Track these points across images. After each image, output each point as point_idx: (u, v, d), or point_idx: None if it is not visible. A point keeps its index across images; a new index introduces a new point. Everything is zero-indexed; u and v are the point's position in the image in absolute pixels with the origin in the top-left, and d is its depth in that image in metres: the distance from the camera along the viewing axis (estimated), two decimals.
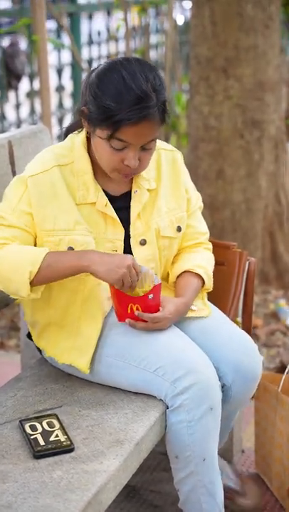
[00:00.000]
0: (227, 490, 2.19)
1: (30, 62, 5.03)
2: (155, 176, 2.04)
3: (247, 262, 2.30)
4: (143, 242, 2.00)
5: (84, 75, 5.07)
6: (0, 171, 2.21)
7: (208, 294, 2.16)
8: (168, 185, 2.06)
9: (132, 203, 2.00)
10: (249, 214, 3.84)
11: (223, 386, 1.99)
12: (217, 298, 2.20)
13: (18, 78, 6.25)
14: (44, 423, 1.80)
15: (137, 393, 1.94)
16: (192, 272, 2.06)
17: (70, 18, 5.04)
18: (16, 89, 5.33)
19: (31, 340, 2.16)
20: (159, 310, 1.92)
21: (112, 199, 1.98)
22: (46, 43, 3.38)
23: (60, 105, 5.15)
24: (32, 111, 4.97)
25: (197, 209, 2.14)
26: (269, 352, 3.30)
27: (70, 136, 2.01)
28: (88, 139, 1.96)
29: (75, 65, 5.00)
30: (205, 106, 3.77)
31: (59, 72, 5.04)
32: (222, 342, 2.02)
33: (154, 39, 6.11)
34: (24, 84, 5.56)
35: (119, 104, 1.78)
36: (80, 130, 1.99)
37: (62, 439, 1.74)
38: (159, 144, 2.09)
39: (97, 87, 1.83)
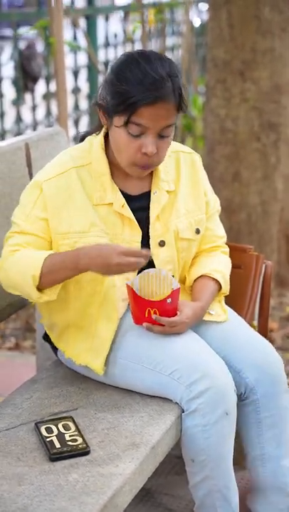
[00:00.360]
0: None
1: (46, 64, 5.04)
2: (174, 178, 2.04)
3: (263, 265, 2.29)
4: (162, 244, 2.00)
5: (100, 77, 5.09)
6: (17, 174, 2.22)
7: (225, 297, 2.15)
8: (187, 187, 2.06)
9: (151, 204, 2.00)
10: (265, 217, 3.83)
11: (245, 390, 1.99)
12: (233, 301, 2.19)
13: (35, 80, 6.27)
14: (60, 425, 1.80)
15: (153, 396, 1.94)
16: (209, 276, 2.06)
17: (86, 20, 5.05)
18: (32, 91, 5.35)
19: (47, 342, 2.16)
20: (176, 314, 1.92)
21: (130, 199, 1.98)
22: (63, 45, 3.38)
23: (76, 107, 5.16)
24: (48, 113, 4.98)
25: (215, 212, 2.14)
26: (285, 355, 3.28)
27: (88, 138, 2.02)
28: (106, 141, 1.96)
29: (92, 67, 5.01)
30: (221, 108, 3.76)
31: (75, 74, 5.05)
32: (241, 346, 2.01)
33: (170, 41, 6.10)
34: (40, 86, 5.57)
35: (136, 86, 1.81)
36: (97, 133, 2.00)
37: (78, 442, 1.74)
38: (178, 146, 2.10)
39: (114, 75, 1.86)
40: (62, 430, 1.78)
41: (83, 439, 1.75)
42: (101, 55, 5.29)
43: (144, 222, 1.99)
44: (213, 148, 3.84)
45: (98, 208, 1.94)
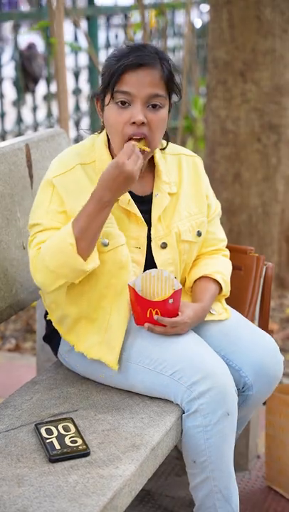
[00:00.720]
0: None
1: (47, 64, 5.04)
2: (176, 180, 2.04)
3: (264, 267, 2.29)
4: (164, 246, 2.00)
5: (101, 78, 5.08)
6: (17, 174, 2.22)
7: (226, 298, 2.15)
8: (189, 189, 2.06)
9: (153, 206, 2.00)
10: (266, 218, 3.83)
11: (243, 386, 2.01)
12: (234, 302, 2.19)
13: (36, 81, 6.28)
14: (60, 427, 1.80)
15: (153, 398, 1.94)
16: (210, 278, 2.06)
17: (87, 20, 5.04)
18: (33, 91, 5.34)
19: (48, 343, 2.16)
20: (178, 315, 1.92)
21: (135, 200, 1.98)
22: (64, 45, 3.39)
23: (77, 108, 5.16)
24: (49, 114, 4.98)
25: (216, 215, 2.15)
26: (285, 357, 3.28)
27: (90, 136, 2.03)
28: (109, 139, 1.96)
29: (93, 68, 5.01)
30: (222, 109, 3.76)
31: (76, 75, 5.05)
32: (243, 343, 2.02)
33: (171, 42, 6.10)
34: (41, 87, 5.58)
35: (119, 57, 1.87)
36: (100, 131, 2.00)
37: (78, 443, 1.73)
38: (180, 149, 2.10)
39: (106, 60, 1.92)
40: (62, 431, 1.78)
41: (83, 441, 1.74)
42: (102, 56, 5.29)
43: (148, 224, 2.00)
44: (213, 149, 3.84)
45: None
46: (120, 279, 1.93)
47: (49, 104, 4.97)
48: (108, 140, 1.98)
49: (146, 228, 1.99)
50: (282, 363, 2.06)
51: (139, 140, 1.88)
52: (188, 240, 2.03)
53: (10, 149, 2.22)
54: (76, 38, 4.95)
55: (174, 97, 1.97)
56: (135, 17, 5.30)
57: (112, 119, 1.90)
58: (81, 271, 1.86)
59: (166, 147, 2.06)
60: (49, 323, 2.13)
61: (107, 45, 5.31)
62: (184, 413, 1.89)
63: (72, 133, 4.84)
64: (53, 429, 1.79)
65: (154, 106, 1.88)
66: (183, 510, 2.30)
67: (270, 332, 2.21)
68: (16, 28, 4.64)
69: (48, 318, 2.12)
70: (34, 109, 4.92)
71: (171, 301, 1.88)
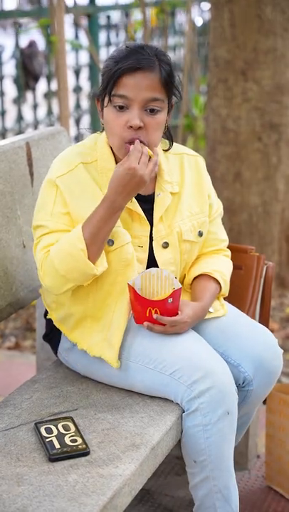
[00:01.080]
0: None
1: (48, 62, 5.03)
2: (178, 180, 2.04)
3: (265, 266, 2.29)
4: (165, 246, 2.00)
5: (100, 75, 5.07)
6: (18, 173, 2.21)
7: (226, 298, 2.15)
8: (191, 189, 2.05)
9: (155, 206, 2.00)
10: (266, 217, 3.82)
11: (243, 382, 2.00)
12: (234, 302, 2.19)
13: (36, 79, 6.26)
14: (60, 426, 1.79)
15: (153, 397, 1.94)
16: (210, 276, 2.06)
17: (88, 18, 5.04)
18: (33, 89, 5.33)
19: (48, 342, 2.16)
20: (177, 314, 1.91)
21: (137, 199, 1.97)
22: (64, 43, 3.38)
23: (78, 106, 5.15)
24: (49, 112, 4.97)
25: (218, 216, 2.14)
26: (285, 356, 3.28)
27: (92, 135, 2.02)
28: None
29: (93, 66, 5.00)
30: (223, 108, 3.75)
31: (77, 73, 5.04)
32: (241, 338, 2.02)
33: (172, 41, 6.09)
34: (42, 85, 5.56)
35: (118, 59, 1.86)
36: (102, 130, 1.99)
37: (77, 443, 1.73)
38: (182, 148, 2.09)
39: (106, 60, 1.91)
40: (62, 431, 1.78)
41: (83, 440, 1.74)
42: (103, 54, 5.28)
43: (150, 224, 1.99)
44: (214, 148, 3.83)
45: None
46: (125, 277, 1.93)
47: (49, 102, 4.96)
48: None
49: (148, 227, 1.98)
50: (282, 357, 2.06)
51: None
52: (190, 239, 2.03)
53: (10, 147, 2.21)
54: (77, 36, 4.94)
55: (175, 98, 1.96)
56: (136, 15, 5.29)
57: (110, 121, 1.89)
58: (91, 275, 1.87)
59: (170, 148, 2.05)
60: (49, 321, 2.12)
61: (108, 43, 5.31)
62: (184, 412, 1.88)
63: (73, 131, 4.83)
64: (53, 428, 1.79)
65: (152, 110, 1.87)
66: (183, 510, 2.30)
67: (271, 331, 2.21)
68: (16, 26, 4.63)
69: (48, 317, 2.12)
70: (35, 107, 4.92)
71: (170, 300, 1.88)
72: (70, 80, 4.22)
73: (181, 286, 1.91)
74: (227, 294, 2.13)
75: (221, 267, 2.10)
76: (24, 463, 1.69)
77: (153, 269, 1.92)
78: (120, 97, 1.85)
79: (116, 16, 5.78)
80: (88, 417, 1.87)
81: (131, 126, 1.86)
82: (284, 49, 3.67)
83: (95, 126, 4.74)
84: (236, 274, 2.20)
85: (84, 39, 4.82)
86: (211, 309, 2.05)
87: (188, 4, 4.81)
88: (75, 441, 1.74)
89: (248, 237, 3.83)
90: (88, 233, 1.83)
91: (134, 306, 1.91)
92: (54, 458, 1.69)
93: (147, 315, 1.89)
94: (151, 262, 2.00)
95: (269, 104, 3.70)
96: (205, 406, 1.85)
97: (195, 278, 2.09)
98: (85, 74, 5.19)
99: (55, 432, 1.77)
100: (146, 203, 2.00)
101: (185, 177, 2.05)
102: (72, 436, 1.76)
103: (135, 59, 1.85)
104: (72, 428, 1.79)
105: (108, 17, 5.27)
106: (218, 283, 2.07)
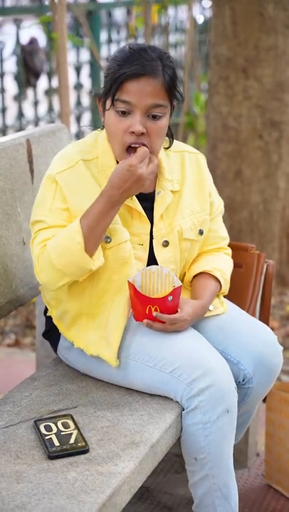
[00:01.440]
0: None
1: (49, 59, 5.03)
2: (179, 178, 2.04)
3: (265, 264, 2.29)
4: (165, 244, 2.00)
5: (102, 74, 5.06)
6: (18, 170, 2.21)
7: (226, 296, 2.15)
8: (192, 187, 2.05)
9: (155, 204, 1.99)
10: (267, 215, 3.82)
11: (243, 379, 2.00)
12: (235, 300, 2.19)
13: (37, 76, 6.25)
14: (59, 423, 1.79)
15: (153, 395, 1.93)
16: (210, 275, 2.06)
17: (89, 15, 5.03)
18: (34, 86, 5.32)
19: (47, 339, 2.15)
20: (177, 312, 1.91)
21: (137, 198, 1.97)
22: (66, 40, 3.38)
23: (79, 103, 5.14)
24: (50, 109, 4.96)
25: (219, 213, 2.14)
26: (285, 354, 3.28)
27: (92, 133, 2.02)
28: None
29: (94, 63, 4.99)
30: (224, 106, 3.75)
31: (77, 70, 5.03)
32: (241, 336, 2.02)
33: (173, 38, 6.09)
34: (42, 82, 5.55)
35: (121, 63, 1.84)
36: (102, 127, 1.99)
37: (77, 440, 1.73)
38: (183, 146, 2.09)
39: (108, 61, 1.89)
40: (61, 428, 1.77)
41: (82, 438, 1.74)
42: (103, 51, 5.28)
43: (150, 222, 1.99)
44: (215, 145, 3.83)
45: None
46: (122, 275, 1.93)
47: (50, 99, 4.95)
48: None
49: (149, 225, 1.98)
50: (282, 354, 2.06)
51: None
52: (190, 238, 2.03)
53: (11, 144, 2.21)
54: (78, 33, 4.93)
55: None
56: (137, 12, 5.28)
57: (112, 126, 1.88)
58: (88, 269, 1.87)
59: (170, 146, 2.05)
60: (49, 319, 2.12)
61: (109, 41, 5.30)
62: (183, 410, 1.88)
63: (74, 128, 4.82)
64: (52, 425, 1.78)
65: (154, 116, 1.87)
66: (182, 508, 2.30)
67: (271, 329, 2.21)
68: (17, 23, 4.62)
69: (47, 315, 2.11)
70: (35, 104, 4.91)
71: (170, 298, 1.88)
72: (71, 77, 4.20)
73: (181, 284, 1.91)
74: (227, 293, 2.13)
75: (222, 265, 2.10)
76: (23, 460, 1.69)
77: (153, 267, 1.92)
78: (123, 102, 1.84)
79: (117, 13, 5.76)
80: (88, 415, 1.86)
81: (133, 132, 1.85)
82: (285, 47, 3.66)
83: (96, 124, 4.74)
84: (237, 272, 2.20)
85: (85, 36, 4.82)
86: (210, 307, 2.05)
87: (189, 1, 4.80)
88: (75, 438, 1.73)
89: (248, 235, 3.82)
90: (86, 226, 1.83)
91: (134, 304, 1.91)
92: (53, 455, 1.69)
93: (147, 312, 1.89)
94: (152, 260, 1.99)
95: (270, 102, 3.69)
96: (204, 404, 1.84)
97: (195, 276, 2.09)
98: (85, 71, 5.18)
99: (55, 430, 1.77)
100: (147, 201, 1.99)
101: (186, 175, 2.05)
102: (71, 433, 1.75)
103: (139, 64, 1.83)
104: (72, 426, 1.78)
105: (109, 14, 5.26)
106: (219, 281, 2.06)
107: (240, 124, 3.73)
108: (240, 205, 3.80)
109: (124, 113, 1.85)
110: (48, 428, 1.77)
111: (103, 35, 5.25)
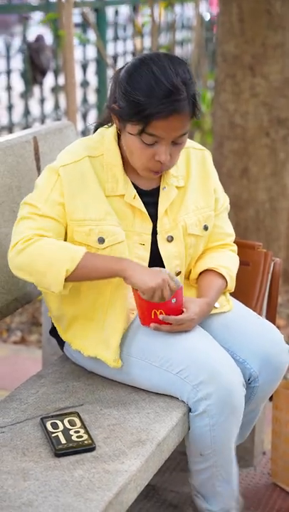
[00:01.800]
0: None
1: (55, 57, 5.03)
2: (184, 174, 2.03)
3: (272, 263, 2.28)
4: (170, 239, 1.99)
5: (109, 71, 5.06)
6: (25, 167, 2.21)
7: (233, 294, 2.15)
8: (197, 183, 2.05)
9: (160, 200, 1.99)
10: (273, 213, 3.81)
11: (249, 378, 2.00)
12: (241, 298, 2.18)
13: (43, 73, 6.25)
14: (65, 421, 1.79)
15: (159, 393, 1.93)
16: (216, 272, 2.05)
17: (96, 13, 5.03)
18: (40, 84, 5.33)
19: (54, 336, 2.15)
20: (181, 312, 1.90)
21: (141, 193, 1.97)
22: (72, 38, 3.37)
23: (85, 101, 5.14)
24: (56, 106, 4.97)
25: (224, 210, 2.13)
26: None
27: (100, 129, 2.01)
28: (119, 133, 1.95)
29: (100, 61, 4.99)
30: (231, 103, 3.74)
31: (84, 67, 5.03)
32: (247, 335, 2.02)
33: (179, 35, 6.08)
34: (49, 80, 5.56)
35: (150, 98, 1.78)
36: (110, 124, 1.98)
37: (83, 438, 1.73)
38: (189, 142, 2.08)
39: (127, 82, 1.82)
40: (67, 426, 1.77)
41: (89, 435, 1.74)
42: (110, 49, 5.27)
43: (153, 218, 1.98)
44: (221, 143, 3.82)
45: (110, 199, 1.93)
46: (117, 277, 1.92)
47: (57, 97, 4.96)
48: (118, 135, 1.96)
49: (150, 225, 1.97)
50: (288, 352, 2.05)
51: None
52: (195, 233, 2.02)
53: (18, 142, 2.21)
54: (84, 31, 4.93)
55: None
56: (144, 9, 5.27)
57: (136, 151, 1.87)
58: (51, 290, 1.86)
59: None
60: None
61: (115, 38, 5.29)
62: (190, 410, 1.88)
63: (80, 125, 4.82)
64: (59, 423, 1.78)
65: (178, 143, 1.87)
66: (188, 506, 2.30)
67: (277, 328, 2.20)
68: (24, 21, 4.63)
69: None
70: (42, 101, 4.91)
71: (174, 300, 1.87)
72: (78, 75, 4.20)
73: (182, 285, 1.90)
74: (233, 290, 2.12)
75: (227, 262, 2.09)
76: (30, 458, 1.69)
77: (155, 269, 1.91)
78: (150, 135, 1.82)
79: (123, 11, 5.76)
80: (94, 413, 1.86)
81: (158, 161, 1.85)
82: None
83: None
84: (243, 270, 2.19)
85: (91, 33, 4.81)
86: (216, 304, 2.05)
87: None
88: (81, 436, 1.73)
89: (254, 233, 3.82)
90: (85, 263, 1.83)
91: (140, 309, 1.90)
92: (60, 453, 1.69)
93: (152, 317, 1.88)
94: (154, 260, 1.98)
95: (277, 100, 3.68)
96: (212, 408, 1.85)
97: (201, 273, 2.08)
98: (92, 68, 5.18)
99: (61, 427, 1.77)
100: (152, 197, 1.99)
101: (191, 171, 2.04)
102: (78, 431, 1.75)
103: (169, 103, 1.78)
104: (78, 423, 1.78)
105: (116, 12, 5.25)
106: (224, 278, 2.06)
107: (247, 121, 3.72)
108: (247, 203, 3.79)
109: (150, 144, 1.84)
110: (55, 425, 1.77)
111: (110, 33, 5.24)
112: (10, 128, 4.57)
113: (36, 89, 5.42)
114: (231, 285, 2.09)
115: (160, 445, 1.77)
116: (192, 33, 5.54)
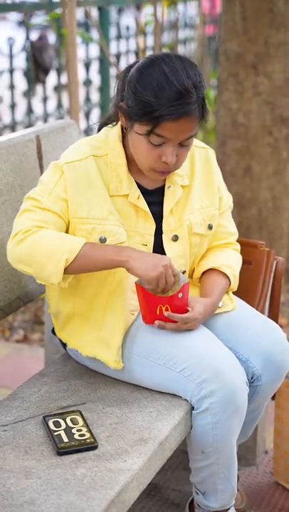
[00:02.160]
0: None
1: (58, 55, 5.02)
2: (188, 173, 2.03)
3: (274, 261, 2.28)
4: (175, 239, 1.99)
5: (112, 70, 5.06)
6: (28, 165, 2.21)
7: (235, 293, 2.15)
8: (201, 182, 2.05)
9: (165, 199, 1.99)
10: (276, 212, 3.81)
11: (252, 377, 2.00)
12: (244, 297, 2.18)
13: (46, 72, 6.26)
14: (68, 419, 1.79)
15: (162, 392, 1.93)
16: (219, 271, 2.05)
17: (99, 11, 5.02)
18: (43, 82, 5.34)
19: (56, 335, 2.16)
20: (186, 309, 1.90)
21: (145, 193, 1.97)
22: (75, 36, 3.37)
23: (88, 99, 5.14)
24: (59, 105, 4.96)
25: (228, 209, 2.13)
26: None
27: (104, 129, 2.01)
28: (123, 132, 1.95)
29: (103, 59, 4.99)
30: (233, 102, 3.73)
31: (87, 66, 5.03)
32: (250, 334, 2.02)
33: (182, 34, 6.07)
34: (52, 78, 5.56)
35: (160, 100, 1.77)
36: (114, 124, 1.98)
37: (85, 437, 1.73)
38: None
39: (138, 82, 1.81)
40: (70, 424, 1.78)
41: (91, 434, 1.74)
42: (113, 48, 5.27)
43: (157, 217, 1.98)
44: (224, 142, 3.82)
45: (113, 199, 1.93)
46: (116, 277, 1.92)
47: (59, 95, 4.95)
48: (122, 134, 1.96)
49: (153, 226, 1.97)
50: None
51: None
52: (200, 232, 2.02)
53: (20, 140, 2.21)
54: (87, 29, 4.93)
55: None
56: (147, 8, 5.27)
57: (143, 151, 1.86)
58: (50, 281, 1.84)
59: None
60: None
61: (118, 37, 5.29)
62: (193, 409, 1.88)
63: (83, 124, 4.82)
64: (61, 421, 1.79)
65: (185, 145, 1.87)
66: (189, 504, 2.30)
67: (280, 327, 2.20)
68: (27, 19, 4.62)
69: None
70: (45, 100, 4.91)
71: (180, 295, 1.87)
72: (80, 73, 4.20)
73: (188, 280, 1.90)
74: (236, 289, 2.12)
75: (231, 261, 2.09)
76: (32, 456, 1.69)
77: (156, 257, 1.90)
78: (158, 136, 1.82)
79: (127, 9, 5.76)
80: (96, 411, 1.87)
81: (165, 162, 1.85)
82: None
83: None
84: (246, 269, 2.19)
85: (94, 32, 4.81)
86: (220, 304, 2.05)
87: None
88: (83, 435, 1.74)
89: (257, 232, 3.81)
90: (85, 252, 1.81)
91: (143, 306, 1.90)
92: (62, 451, 1.69)
93: (158, 313, 1.88)
94: None
95: (280, 98, 3.68)
96: (215, 406, 1.85)
97: (204, 272, 2.08)
98: (95, 67, 5.18)
99: (64, 426, 1.77)
100: (157, 196, 1.99)
101: (195, 170, 2.04)
102: (80, 430, 1.75)
103: (180, 105, 1.77)
104: (81, 422, 1.79)
105: (119, 10, 5.25)
106: (228, 277, 2.06)
107: (250, 120, 3.71)
108: (249, 201, 3.79)
109: (158, 144, 1.84)
110: (57, 424, 1.78)
111: (113, 31, 5.24)
112: (13, 126, 4.57)
113: (39, 88, 5.42)
114: (234, 284, 2.09)
115: (162, 444, 1.77)
116: (195, 32, 5.54)
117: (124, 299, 1.94)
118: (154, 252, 1.97)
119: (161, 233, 1.99)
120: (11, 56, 4.50)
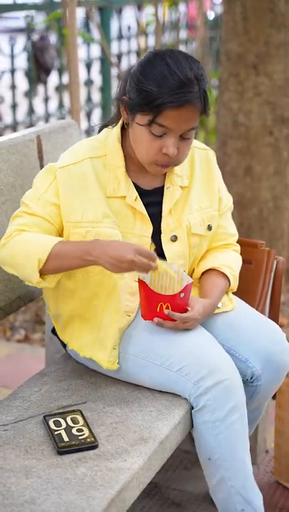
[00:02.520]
0: None
1: (59, 55, 5.03)
2: (188, 174, 2.03)
3: (275, 261, 2.28)
4: (174, 239, 1.99)
5: (113, 70, 5.06)
6: (28, 166, 2.21)
7: (235, 292, 2.15)
8: (200, 183, 2.05)
9: (164, 199, 1.99)
10: (277, 212, 3.81)
11: (252, 377, 2.00)
12: (244, 297, 2.18)
13: (47, 72, 6.25)
14: (68, 419, 1.80)
15: (162, 391, 1.93)
16: (219, 272, 2.06)
17: (100, 12, 5.03)
18: (44, 82, 5.33)
19: (56, 335, 2.16)
20: (186, 309, 1.91)
21: (144, 193, 1.97)
22: (76, 37, 3.37)
23: (89, 99, 5.14)
24: (60, 105, 4.97)
25: (228, 210, 2.14)
26: None
27: (104, 130, 2.01)
28: (122, 134, 1.95)
29: (105, 60, 4.99)
30: (234, 102, 3.74)
31: (88, 66, 5.03)
32: (249, 333, 2.02)
33: (183, 34, 6.07)
34: (53, 78, 5.56)
35: (162, 88, 1.79)
36: (114, 125, 1.99)
37: (86, 436, 1.73)
38: (193, 142, 2.08)
39: (141, 73, 1.83)
40: (70, 423, 1.78)
41: (91, 433, 1.74)
42: (114, 48, 5.27)
43: (156, 217, 1.98)
44: (225, 142, 3.82)
45: (111, 201, 1.94)
46: (112, 278, 1.92)
47: (61, 95, 4.96)
48: (121, 135, 1.96)
49: (150, 228, 1.97)
50: None
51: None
52: (199, 233, 2.03)
53: (21, 140, 2.22)
54: (88, 29, 4.93)
55: None
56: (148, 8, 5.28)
57: (144, 143, 1.87)
58: (31, 282, 1.87)
59: None
60: None
61: (120, 37, 5.29)
62: (192, 408, 1.88)
63: (84, 124, 4.82)
64: (62, 421, 1.79)
65: (186, 138, 1.87)
66: (190, 504, 2.30)
67: (280, 326, 2.21)
68: (28, 19, 4.63)
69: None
70: (46, 100, 4.92)
71: (182, 295, 1.87)
72: (82, 74, 4.20)
73: (192, 280, 1.91)
74: (236, 289, 2.12)
75: (231, 261, 2.10)
76: (32, 455, 1.69)
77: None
78: (161, 126, 1.83)
79: (127, 9, 5.76)
80: (97, 411, 1.87)
81: (166, 154, 1.85)
82: None
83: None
84: (246, 268, 2.20)
85: (96, 32, 4.82)
86: (219, 304, 2.05)
87: None
88: (84, 434, 1.74)
89: (258, 231, 3.81)
90: (57, 251, 1.82)
91: (144, 302, 1.90)
92: (62, 451, 1.69)
93: (158, 310, 1.89)
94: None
95: (280, 99, 3.68)
96: (212, 403, 1.85)
97: (204, 273, 2.09)
98: (96, 67, 5.18)
99: (64, 425, 1.77)
100: (154, 196, 1.99)
101: (195, 171, 2.05)
102: (80, 429, 1.76)
103: (182, 94, 1.79)
104: (81, 421, 1.79)
105: (120, 10, 5.25)
106: (227, 278, 2.06)
107: (251, 120, 3.72)
108: (250, 201, 3.79)
109: (159, 135, 1.85)
110: (57, 423, 1.78)
111: (114, 32, 5.24)
112: (14, 127, 4.58)
113: (40, 88, 5.41)
114: (234, 285, 2.10)
115: (163, 443, 1.77)
116: (196, 32, 5.54)
117: (119, 300, 1.95)
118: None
119: (160, 234, 1.99)
120: (13, 56, 4.51)
